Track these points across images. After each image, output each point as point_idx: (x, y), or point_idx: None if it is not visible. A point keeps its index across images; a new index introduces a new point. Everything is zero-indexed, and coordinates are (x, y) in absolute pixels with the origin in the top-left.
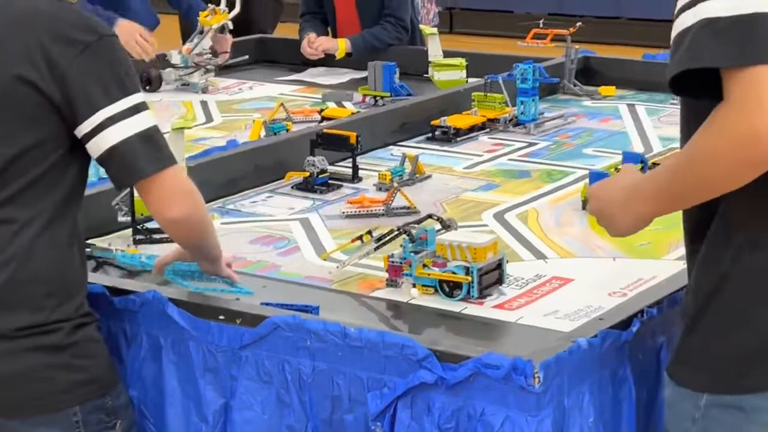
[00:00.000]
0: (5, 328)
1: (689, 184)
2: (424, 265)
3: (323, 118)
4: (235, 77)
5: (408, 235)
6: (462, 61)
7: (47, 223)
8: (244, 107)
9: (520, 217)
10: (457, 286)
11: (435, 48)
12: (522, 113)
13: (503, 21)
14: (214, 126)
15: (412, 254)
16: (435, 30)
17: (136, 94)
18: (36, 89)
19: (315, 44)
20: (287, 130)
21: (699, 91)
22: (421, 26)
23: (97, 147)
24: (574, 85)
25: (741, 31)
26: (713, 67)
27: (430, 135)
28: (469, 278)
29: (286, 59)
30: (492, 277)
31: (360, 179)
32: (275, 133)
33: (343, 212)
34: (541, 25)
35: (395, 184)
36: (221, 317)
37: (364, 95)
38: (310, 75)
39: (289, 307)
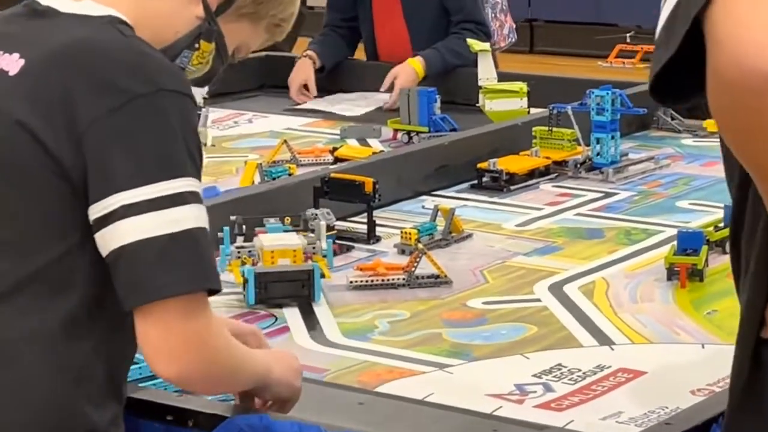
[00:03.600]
0: None
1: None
2: (243, 263)
3: (336, 160)
4: (231, 107)
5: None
6: (522, 86)
7: (49, 345)
8: (238, 145)
9: (584, 290)
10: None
11: (487, 69)
12: (598, 154)
13: (602, 35)
14: None
15: (234, 248)
16: (486, 45)
17: (183, 178)
18: (40, 144)
19: (393, 83)
20: (290, 175)
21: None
22: (469, 40)
23: (104, 242)
24: (672, 118)
25: None
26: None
27: (475, 182)
28: (241, 280)
29: None
30: (287, 288)
31: (378, 239)
32: (273, 179)
33: (351, 282)
34: (628, 40)
35: (420, 246)
36: (169, 418)
37: (396, 130)
38: (327, 103)
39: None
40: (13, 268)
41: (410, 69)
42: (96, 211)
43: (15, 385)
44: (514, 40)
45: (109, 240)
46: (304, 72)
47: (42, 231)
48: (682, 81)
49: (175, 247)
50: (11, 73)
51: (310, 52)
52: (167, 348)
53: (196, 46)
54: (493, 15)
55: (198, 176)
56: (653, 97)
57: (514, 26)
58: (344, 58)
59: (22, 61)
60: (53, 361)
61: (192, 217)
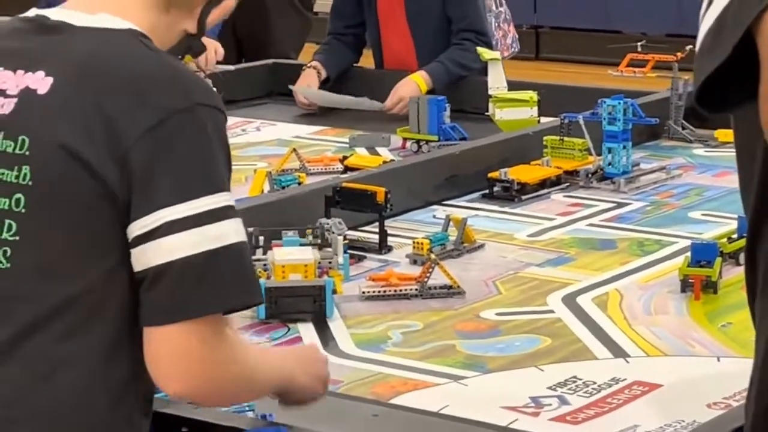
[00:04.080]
0: None
1: None
2: (258, 276)
3: (346, 169)
4: (239, 115)
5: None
6: (533, 94)
7: (87, 370)
8: (246, 153)
9: (598, 302)
10: None
11: (497, 78)
12: (609, 164)
13: (607, 44)
14: None
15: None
16: (497, 54)
17: (222, 193)
18: (82, 164)
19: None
20: (299, 184)
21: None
22: (479, 49)
23: (145, 257)
24: (683, 128)
25: None
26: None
27: (486, 192)
28: None
29: None
30: (298, 303)
31: (389, 249)
32: (283, 188)
33: (363, 292)
34: (639, 49)
35: (433, 256)
36: (184, 429)
37: (404, 139)
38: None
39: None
40: (52, 292)
41: (413, 84)
42: (138, 227)
43: (52, 411)
44: (517, 49)
45: (152, 256)
46: (308, 83)
47: (83, 253)
48: (728, 89)
49: (220, 264)
50: (40, 92)
51: (315, 63)
52: (180, 368)
53: (180, 57)
54: (496, 24)
55: (228, 189)
56: (699, 106)
57: (517, 36)
58: (350, 65)
59: (50, 79)
60: (92, 386)
61: (233, 232)
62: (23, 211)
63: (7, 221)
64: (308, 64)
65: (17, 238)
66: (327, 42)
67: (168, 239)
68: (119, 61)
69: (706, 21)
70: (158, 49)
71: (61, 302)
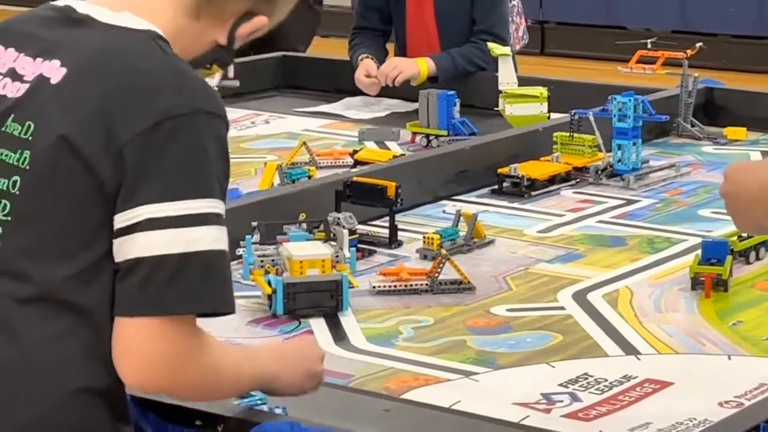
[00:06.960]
0: None
1: None
2: (267, 272)
3: (356, 163)
4: (248, 107)
5: (259, 230)
6: (543, 90)
7: (58, 358)
8: (256, 146)
9: (608, 299)
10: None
11: (507, 73)
12: (619, 161)
13: (613, 40)
14: None
15: (256, 256)
16: (507, 50)
17: (209, 199)
18: (80, 160)
19: (387, 72)
20: (309, 177)
21: None
22: (490, 45)
23: (122, 249)
24: (692, 125)
25: None
26: None
27: (496, 187)
28: (269, 290)
29: (316, 85)
30: (315, 298)
31: (399, 244)
32: (293, 181)
33: (374, 287)
34: (649, 46)
35: (444, 251)
36: (198, 423)
37: (414, 133)
38: (345, 106)
39: None
40: (36, 275)
41: (413, 62)
42: (120, 220)
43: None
44: (526, 41)
45: (128, 249)
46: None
47: (71, 241)
48: None
49: (189, 267)
50: (53, 81)
51: (369, 54)
52: (139, 359)
53: (208, 66)
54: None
55: (224, 198)
56: None
57: (526, 27)
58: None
59: (63, 70)
60: (79, 381)
61: (211, 239)
62: (17, 193)
63: (3, 201)
64: (364, 56)
65: (9, 218)
66: (358, 34)
67: (144, 235)
68: (128, 60)
69: None
70: (171, 53)
71: (44, 286)
